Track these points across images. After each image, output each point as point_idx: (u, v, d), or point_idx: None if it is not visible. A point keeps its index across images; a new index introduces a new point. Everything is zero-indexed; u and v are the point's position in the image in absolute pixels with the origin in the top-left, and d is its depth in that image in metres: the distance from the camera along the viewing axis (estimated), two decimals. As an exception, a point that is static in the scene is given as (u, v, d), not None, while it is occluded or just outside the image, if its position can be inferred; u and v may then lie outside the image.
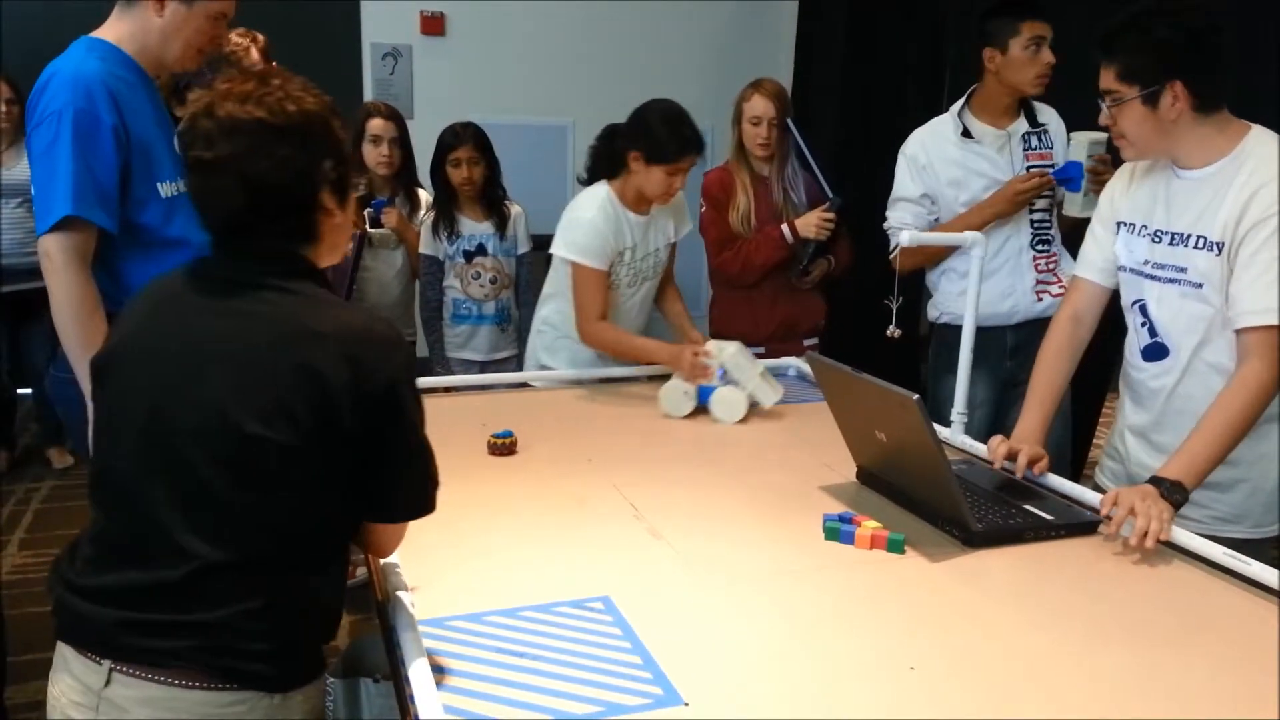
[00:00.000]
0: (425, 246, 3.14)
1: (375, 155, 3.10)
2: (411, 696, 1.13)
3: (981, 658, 1.29)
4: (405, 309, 3.26)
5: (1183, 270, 1.81)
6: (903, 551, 1.60)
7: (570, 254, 2.56)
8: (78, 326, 1.79)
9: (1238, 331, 1.73)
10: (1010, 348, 2.69)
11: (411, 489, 1.30)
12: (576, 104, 5.50)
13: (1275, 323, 1.67)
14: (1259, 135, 1.77)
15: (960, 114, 2.71)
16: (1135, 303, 1.92)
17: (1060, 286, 2.64)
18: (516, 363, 3.22)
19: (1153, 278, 1.87)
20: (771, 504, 1.80)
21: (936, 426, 1.76)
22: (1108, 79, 1.79)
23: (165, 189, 1.94)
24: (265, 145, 1.21)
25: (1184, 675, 1.26)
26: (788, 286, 3.01)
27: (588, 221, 2.54)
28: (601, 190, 2.60)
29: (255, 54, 3.26)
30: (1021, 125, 2.71)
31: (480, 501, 1.79)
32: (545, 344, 2.77)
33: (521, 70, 5.45)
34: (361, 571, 3.17)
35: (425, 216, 3.17)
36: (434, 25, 5.49)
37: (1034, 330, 2.57)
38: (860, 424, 1.86)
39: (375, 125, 3.10)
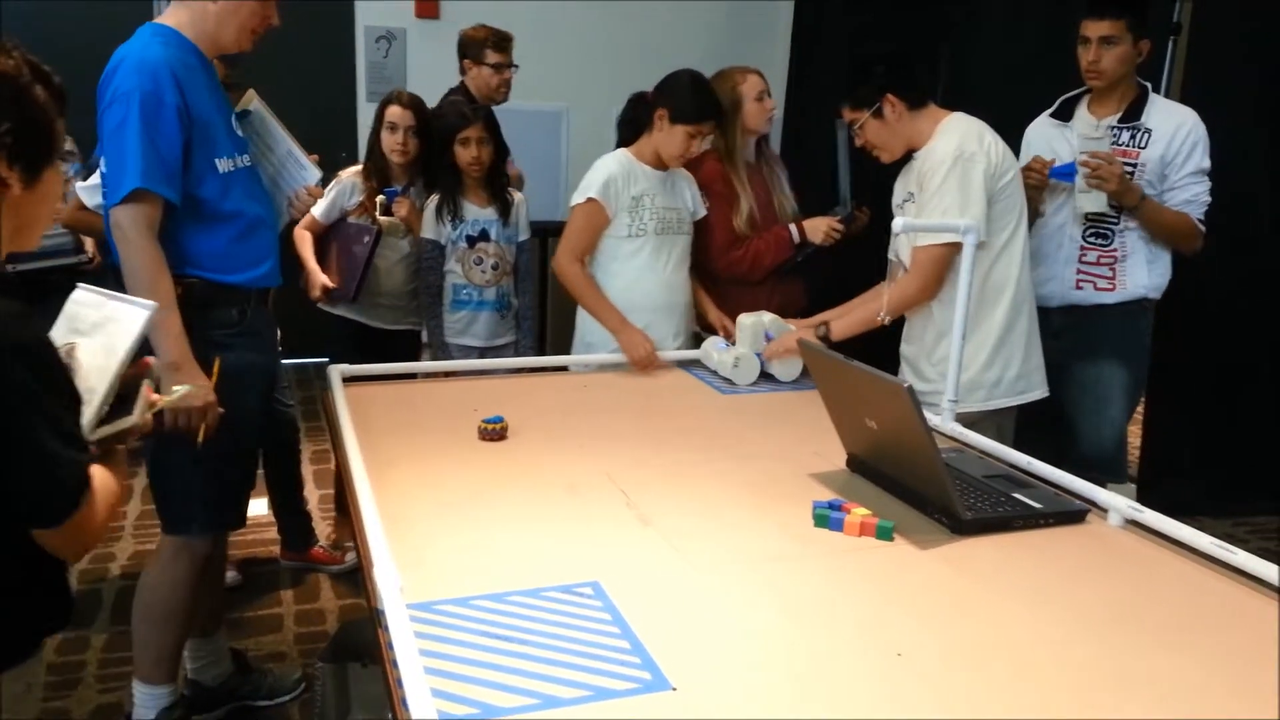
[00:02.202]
0: (427, 230, 3.12)
1: (391, 142, 3.08)
2: (399, 680, 1.13)
3: (969, 645, 1.29)
4: (411, 298, 3.24)
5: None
6: (892, 539, 1.60)
7: (578, 196, 2.74)
8: (150, 289, 1.90)
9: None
10: (1055, 330, 2.74)
11: (21, 494, 1.21)
12: (571, 89, 5.48)
13: (920, 244, 2.37)
14: (949, 120, 2.40)
15: (1076, 97, 2.85)
16: None
17: (1109, 281, 2.76)
18: (515, 349, 3.21)
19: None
20: (761, 491, 1.80)
21: (927, 414, 1.77)
22: (847, 114, 2.48)
23: (222, 164, 2.05)
24: None
25: (1169, 662, 1.26)
26: (776, 273, 3.02)
27: (598, 165, 2.77)
28: (617, 151, 2.80)
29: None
30: (1116, 119, 2.76)
31: (470, 487, 1.78)
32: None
33: (516, 55, 5.42)
34: (351, 556, 3.21)
35: (429, 200, 3.15)
36: (428, 9, 5.45)
37: (1078, 316, 2.80)
38: (851, 411, 1.86)
39: (393, 113, 3.08)
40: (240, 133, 2.17)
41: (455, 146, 3.07)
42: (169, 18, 2.04)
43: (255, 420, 2.19)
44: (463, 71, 3.77)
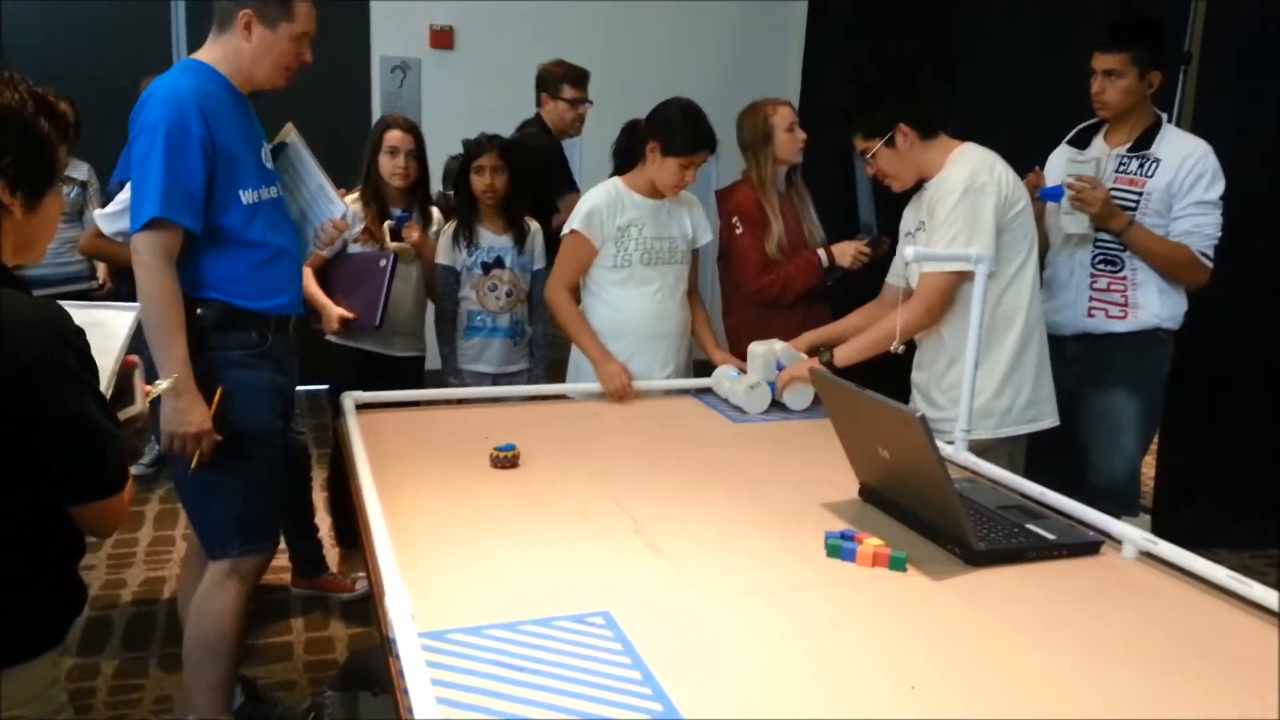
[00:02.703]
0: (443, 257, 3.14)
1: (391, 166, 3.10)
2: (410, 710, 1.13)
3: (983, 677, 1.28)
4: (418, 322, 3.26)
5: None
6: (904, 569, 1.59)
7: (565, 227, 2.78)
8: (159, 314, 1.97)
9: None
10: (1069, 357, 2.75)
11: (79, 471, 1.32)
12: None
13: (927, 270, 2.38)
14: (960, 150, 2.41)
15: (1096, 126, 2.86)
16: None
17: (1120, 309, 2.75)
18: (528, 376, 3.22)
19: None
20: (773, 520, 1.79)
21: (940, 444, 1.76)
22: (858, 143, 2.48)
23: (246, 196, 2.10)
24: None
25: (1184, 697, 1.25)
26: (805, 297, 3.07)
27: (586, 197, 2.80)
28: (609, 180, 2.82)
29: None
30: (1126, 148, 2.77)
31: (481, 515, 1.78)
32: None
33: (529, 83, 5.47)
34: (362, 584, 3.20)
35: (445, 226, 3.18)
36: (443, 39, 5.53)
37: (1090, 344, 2.79)
38: (863, 441, 1.86)
39: (393, 137, 3.11)
40: (272, 165, 2.21)
41: (470, 174, 3.10)
42: (205, 53, 2.10)
43: (277, 439, 2.20)
44: (539, 104, 3.91)
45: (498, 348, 3.17)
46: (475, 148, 3.12)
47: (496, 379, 3.17)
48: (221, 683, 2.20)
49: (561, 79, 3.85)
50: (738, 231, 3.04)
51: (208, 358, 2.04)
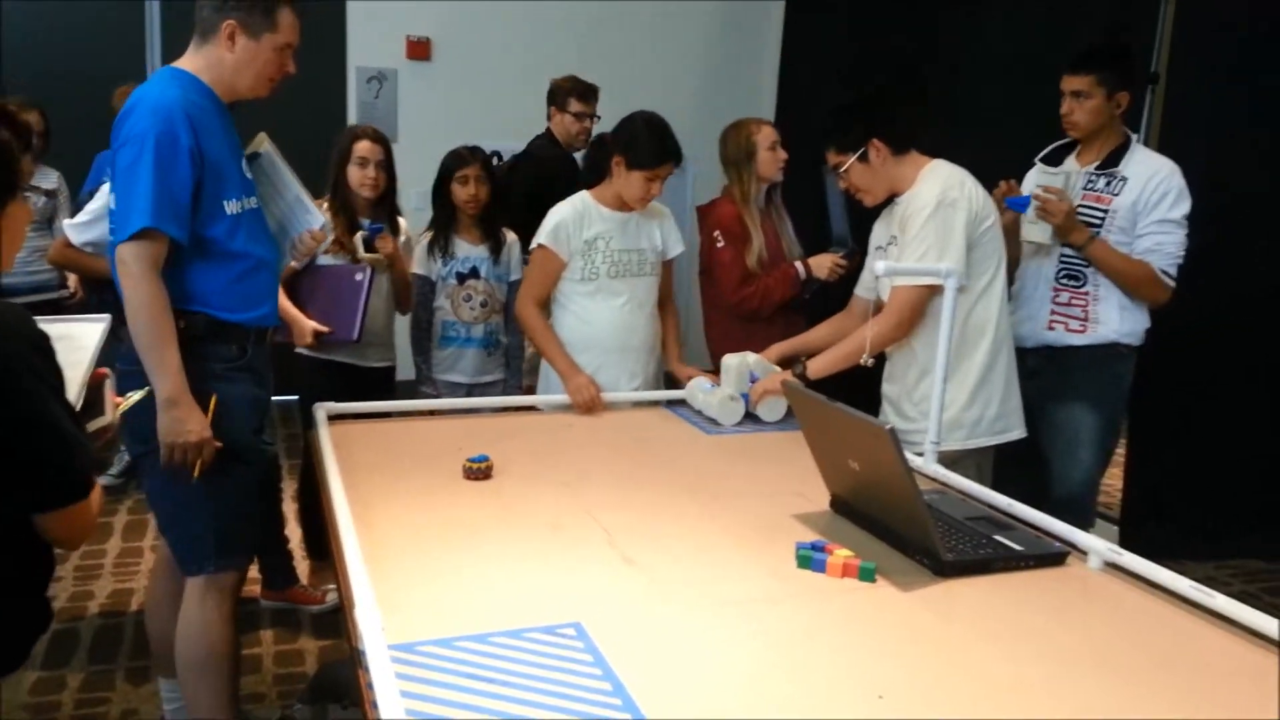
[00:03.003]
0: (418, 266, 3.14)
1: (360, 177, 3.08)
2: (379, 721, 1.12)
3: (950, 687, 1.29)
4: (389, 333, 3.25)
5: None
6: (874, 580, 1.60)
7: (534, 241, 2.80)
8: (150, 325, 1.93)
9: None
10: (1030, 370, 2.75)
11: (47, 476, 1.33)
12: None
13: (898, 284, 2.40)
14: (931, 167, 2.44)
15: (1068, 145, 2.90)
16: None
17: (1080, 323, 2.79)
18: (503, 387, 3.22)
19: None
20: (744, 531, 1.80)
21: (909, 456, 1.78)
22: (832, 158, 2.50)
23: (230, 206, 2.08)
24: None
25: (1148, 705, 1.27)
26: (783, 309, 3.12)
27: (552, 211, 2.81)
28: (578, 194, 2.83)
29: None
30: (1094, 166, 2.80)
31: (453, 526, 1.78)
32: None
33: (506, 94, 5.49)
34: (332, 597, 3.18)
35: (421, 236, 3.18)
36: (420, 50, 5.53)
37: (1050, 357, 2.82)
38: (834, 453, 1.87)
39: (362, 148, 3.09)
40: (249, 175, 2.20)
41: (453, 184, 3.12)
42: (187, 61, 2.08)
43: (253, 453, 2.18)
44: (549, 117, 4.02)
45: (471, 358, 3.17)
46: (456, 160, 3.13)
47: (471, 389, 3.17)
48: (219, 697, 2.15)
49: (569, 93, 3.97)
50: (719, 245, 3.09)
51: (197, 368, 2.01)
